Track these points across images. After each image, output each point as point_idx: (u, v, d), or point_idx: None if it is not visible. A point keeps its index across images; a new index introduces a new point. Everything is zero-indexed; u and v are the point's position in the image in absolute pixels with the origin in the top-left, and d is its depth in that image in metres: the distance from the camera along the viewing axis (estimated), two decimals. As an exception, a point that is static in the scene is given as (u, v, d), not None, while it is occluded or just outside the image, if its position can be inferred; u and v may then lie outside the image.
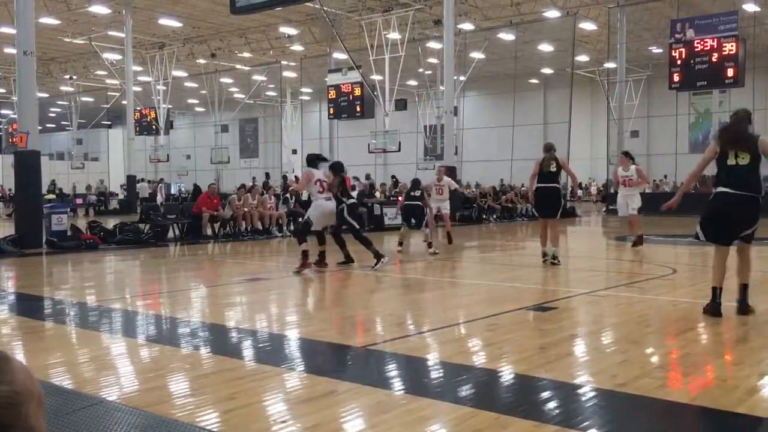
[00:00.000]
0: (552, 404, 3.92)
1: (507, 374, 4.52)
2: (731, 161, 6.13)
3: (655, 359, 5.08)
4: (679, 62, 22.47)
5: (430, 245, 12.69)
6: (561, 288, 8.82)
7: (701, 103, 36.51)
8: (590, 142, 44.61)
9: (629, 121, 34.21)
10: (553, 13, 28.80)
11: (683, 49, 22.36)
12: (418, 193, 12.99)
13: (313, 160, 10.40)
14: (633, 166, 13.18)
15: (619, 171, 13.47)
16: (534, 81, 43.67)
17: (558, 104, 39.80)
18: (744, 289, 6.32)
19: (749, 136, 6.16)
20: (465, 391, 4.17)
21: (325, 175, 10.21)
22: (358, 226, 10.67)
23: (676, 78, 22.64)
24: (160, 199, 31.10)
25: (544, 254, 10.61)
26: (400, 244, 13.19)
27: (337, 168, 10.69)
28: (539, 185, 10.50)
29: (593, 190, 44.76)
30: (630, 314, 6.65)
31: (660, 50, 34.09)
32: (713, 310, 6.22)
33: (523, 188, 29.10)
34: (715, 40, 21.81)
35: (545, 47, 34.74)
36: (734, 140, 6.17)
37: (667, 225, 17.73)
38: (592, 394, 4.07)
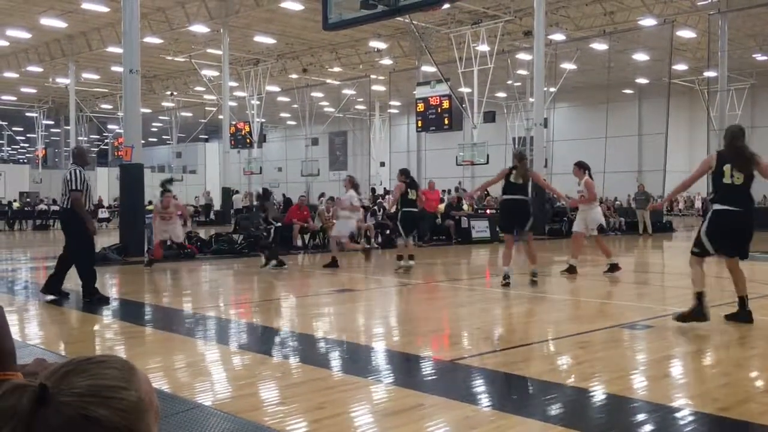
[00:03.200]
0: (647, 427, 3.77)
1: (599, 394, 4.38)
2: (727, 180, 6.31)
3: (760, 383, 4.81)
4: (786, 69, 21.29)
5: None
6: (657, 306, 8.48)
7: (811, 112, 34.42)
8: (689, 154, 42.83)
9: (731, 132, 32.59)
10: (649, 22, 27.90)
11: (791, 56, 21.17)
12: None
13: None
14: (584, 179, 11.13)
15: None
16: (628, 91, 42.39)
17: (654, 115, 38.42)
18: None
19: (749, 155, 6.30)
20: (555, 409, 4.08)
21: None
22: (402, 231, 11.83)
23: (783, 86, 21.45)
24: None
25: (506, 276, 9.48)
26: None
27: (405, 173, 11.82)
28: (505, 197, 9.65)
29: (697, 203, 42.97)
30: (732, 335, 6.31)
31: (765, 57, 32.42)
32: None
33: (617, 202, 28.04)
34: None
35: (640, 56, 33.71)
36: (733, 158, 6.31)
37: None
38: (691, 418, 3.88)
